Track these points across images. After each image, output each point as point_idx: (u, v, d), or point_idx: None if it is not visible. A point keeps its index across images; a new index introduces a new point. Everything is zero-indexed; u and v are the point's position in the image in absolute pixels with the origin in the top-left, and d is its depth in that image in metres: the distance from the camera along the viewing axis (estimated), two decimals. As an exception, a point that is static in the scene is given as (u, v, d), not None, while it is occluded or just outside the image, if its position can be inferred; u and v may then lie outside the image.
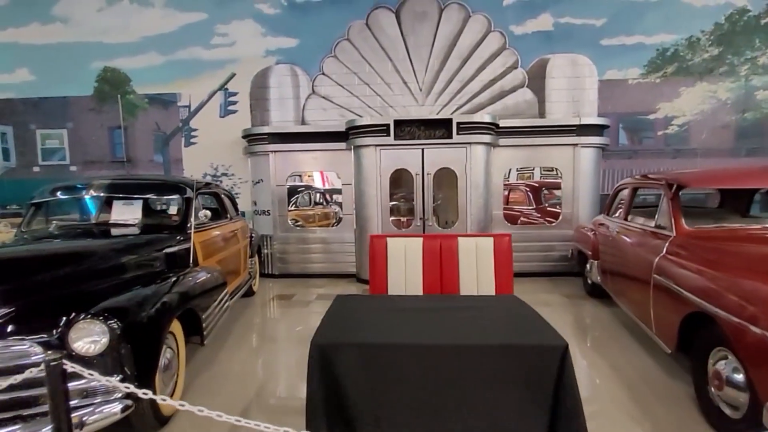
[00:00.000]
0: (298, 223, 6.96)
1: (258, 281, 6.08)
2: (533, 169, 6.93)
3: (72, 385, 1.90)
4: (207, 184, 4.30)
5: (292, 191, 6.90)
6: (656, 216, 3.39)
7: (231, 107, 7.18)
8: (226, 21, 7.14)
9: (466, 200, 6.00)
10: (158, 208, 3.66)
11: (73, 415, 1.87)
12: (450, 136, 5.87)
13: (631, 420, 2.44)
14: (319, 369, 1.82)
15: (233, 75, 7.18)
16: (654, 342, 3.05)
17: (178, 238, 3.25)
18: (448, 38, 6.79)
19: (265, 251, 6.63)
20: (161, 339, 2.27)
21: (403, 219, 6.38)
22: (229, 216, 4.67)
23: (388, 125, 5.87)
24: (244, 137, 6.93)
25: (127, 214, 3.33)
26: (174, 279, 2.69)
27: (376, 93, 7.03)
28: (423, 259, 3.39)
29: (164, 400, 1.58)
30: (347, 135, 6.31)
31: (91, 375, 1.59)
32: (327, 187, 7.49)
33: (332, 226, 7.36)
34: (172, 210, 3.52)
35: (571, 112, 6.51)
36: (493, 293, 3.33)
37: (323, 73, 7.00)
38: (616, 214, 4.70)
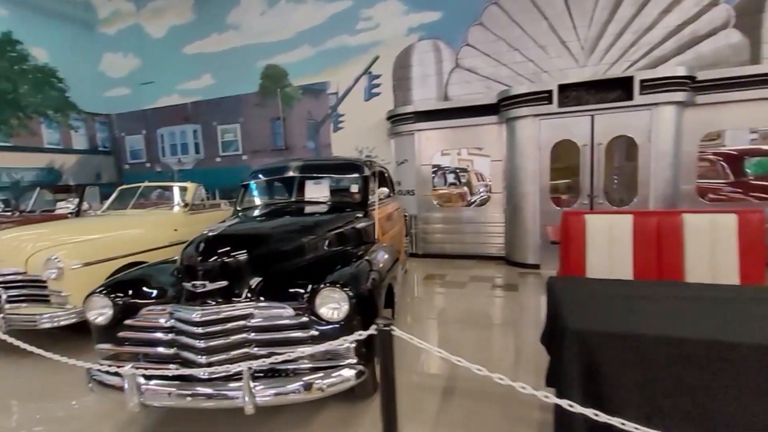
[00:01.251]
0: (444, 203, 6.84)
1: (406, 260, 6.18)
2: (721, 134, 5.48)
3: (315, 348, 2.06)
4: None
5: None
6: None
7: (374, 90, 7.36)
8: (369, 5, 7.26)
9: (649, 173, 5.05)
10: (340, 186, 3.86)
11: (311, 377, 2.03)
12: (629, 98, 4.96)
13: None
14: (578, 354, 1.59)
15: (377, 58, 7.32)
16: None
17: (361, 214, 3.37)
18: (622, -19, 5.72)
19: (410, 231, 6.69)
20: (380, 309, 2.33)
21: (564, 197, 5.72)
22: (391, 195, 4.75)
23: (550, 92, 5.24)
24: (388, 118, 7.03)
25: (318, 192, 3.59)
26: (375, 253, 2.77)
27: (527, 58, 6.38)
28: (634, 238, 2.87)
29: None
30: (498, 107, 5.87)
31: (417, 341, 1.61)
32: (463, 165, 7.20)
33: (468, 206, 7.09)
34: (353, 188, 3.67)
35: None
36: (737, 283, 2.65)
37: (468, 44, 6.63)
38: None
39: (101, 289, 2.26)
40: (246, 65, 8.34)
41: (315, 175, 3.61)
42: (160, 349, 2.15)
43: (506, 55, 6.47)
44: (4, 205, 6.01)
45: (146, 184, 5.01)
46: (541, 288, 4.85)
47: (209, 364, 2.02)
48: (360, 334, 1.60)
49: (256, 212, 3.39)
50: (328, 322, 2.04)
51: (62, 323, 3.30)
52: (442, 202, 6.75)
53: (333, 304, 2.04)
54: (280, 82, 8.15)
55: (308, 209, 3.38)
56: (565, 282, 2.32)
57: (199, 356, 2.03)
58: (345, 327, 2.07)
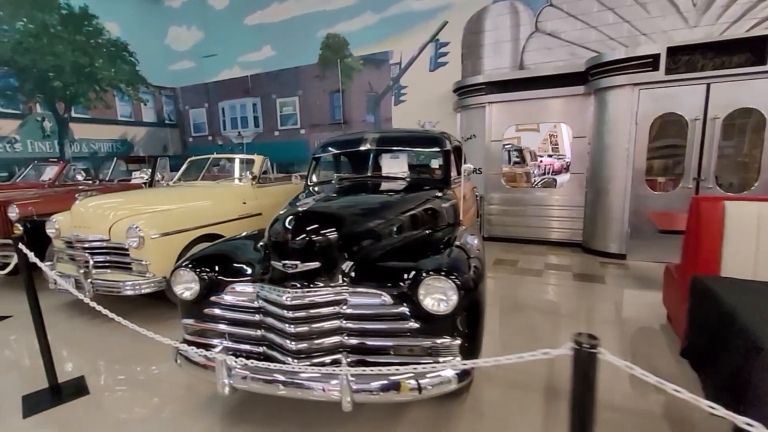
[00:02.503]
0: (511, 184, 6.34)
1: (472, 243, 5.81)
2: None
3: (414, 342, 1.83)
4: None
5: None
6: None
7: (441, 59, 6.85)
8: (439, -37, 6.67)
9: (778, 154, 4.25)
10: (418, 161, 3.56)
11: (406, 375, 1.78)
12: (761, 62, 4.13)
13: None
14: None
15: (445, 23, 6.77)
16: None
17: (444, 192, 3.05)
18: None
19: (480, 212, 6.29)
20: (484, 301, 2.04)
21: (661, 179, 5.03)
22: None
23: (656, 56, 4.50)
24: (455, 90, 6.55)
25: (396, 167, 3.31)
26: (464, 238, 2.46)
27: (622, 19, 5.57)
28: (793, 233, 2.33)
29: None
30: (586, 76, 5.20)
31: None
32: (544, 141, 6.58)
33: (537, 187, 6.52)
34: (434, 164, 3.36)
35: None
36: None
37: (551, 4, 5.91)
38: None
39: (186, 262, 2.15)
40: (306, 35, 8.10)
41: (393, 148, 3.32)
42: (247, 330, 2.02)
43: (596, 16, 5.69)
44: (86, 173, 6.34)
45: (215, 156, 5.00)
46: (633, 281, 4.32)
47: (298, 351, 1.85)
48: (545, 353, 1.22)
49: (332, 188, 3.17)
50: (431, 314, 1.78)
51: (143, 291, 3.35)
52: (507, 182, 6.25)
53: (439, 295, 1.77)
54: (340, 52, 7.85)
55: (386, 186, 3.11)
56: (733, 285, 1.88)
57: (289, 341, 1.86)
58: (450, 320, 1.81)
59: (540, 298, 3.95)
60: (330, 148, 3.62)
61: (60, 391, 2.49)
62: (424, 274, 1.80)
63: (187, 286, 2.12)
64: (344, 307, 1.87)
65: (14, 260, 2.84)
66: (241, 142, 9.58)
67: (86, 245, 3.55)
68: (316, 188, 3.31)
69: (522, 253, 5.61)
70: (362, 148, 3.31)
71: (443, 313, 1.78)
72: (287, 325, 1.85)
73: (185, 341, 2.18)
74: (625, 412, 2.17)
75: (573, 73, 5.36)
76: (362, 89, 7.79)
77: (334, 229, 1.95)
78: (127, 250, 3.42)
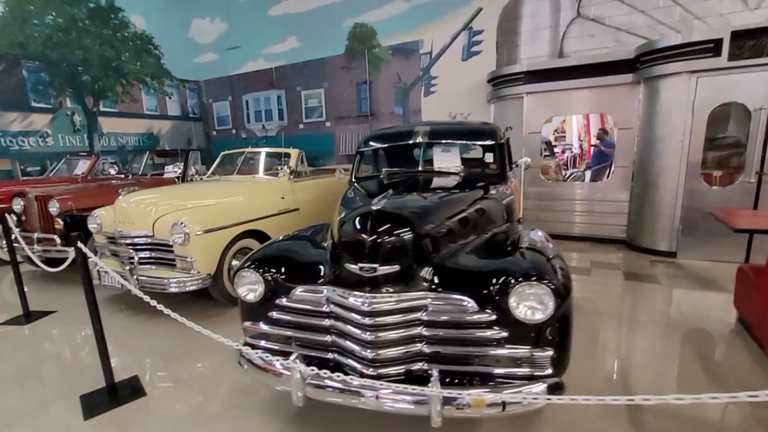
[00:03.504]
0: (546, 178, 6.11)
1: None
2: None
3: (501, 352, 1.70)
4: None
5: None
6: None
7: (474, 48, 6.61)
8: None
9: None
10: (468, 155, 3.39)
11: (494, 390, 1.65)
12: (838, 46, 3.82)
13: None
14: None
15: (479, 10, 6.52)
16: None
17: (502, 188, 2.89)
18: None
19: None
20: (572, 308, 1.89)
21: (718, 173, 4.75)
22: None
23: (717, 41, 4.21)
24: (489, 81, 6.32)
25: (448, 161, 3.16)
26: (533, 236, 2.30)
27: (674, 2, 5.25)
28: None
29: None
30: (636, 64, 4.92)
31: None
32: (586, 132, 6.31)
33: (575, 180, 6.27)
34: (488, 157, 3.20)
35: None
36: None
37: (595, -12, 5.61)
38: None
39: (249, 263, 2.06)
40: (332, 25, 7.93)
41: (444, 141, 3.16)
42: (315, 335, 1.91)
43: (645, 0, 5.38)
44: (117, 167, 6.35)
45: (250, 150, 4.91)
46: (690, 282, 4.10)
47: (374, 360, 1.74)
48: (752, 395, 0.88)
49: (380, 183, 3.04)
50: (523, 323, 1.64)
51: (188, 288, 3.29)
52: (543, 175, 6.02)
53: (533, 302, 1.63)
54: (367, 42, 7.66)
55: (440, 181, 2.96)
56: None
57: (365, 349, 1.74)
58: (543, 329, 1.67)
59: (595, 299, 3.77)
60: (376, 142, 3.48)
61: (117, 392, 2.44)
62: (514, 280, 1.66)
63: (250, 288, 2.03)
64: (424, 313, 1.74)
65: (70, 257, 2.81)
66: (264, 135, 9.52)
67: (130, 241, 3.51)
68: (361, 184, 3.19)
69: (564, 249, 5.34)
70: (413, 141, 3.16)
71: (537, 322, 1.64)
72: (364, 332, 1.74)
73: (247, 344, 2.10)
74: None
75: (620, 61, 5.08)
76: (390, 80, 7.60)
77: (413, 229, 1.82)
78: (171, 246, 3.36)
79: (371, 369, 1.75)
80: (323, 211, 4.84)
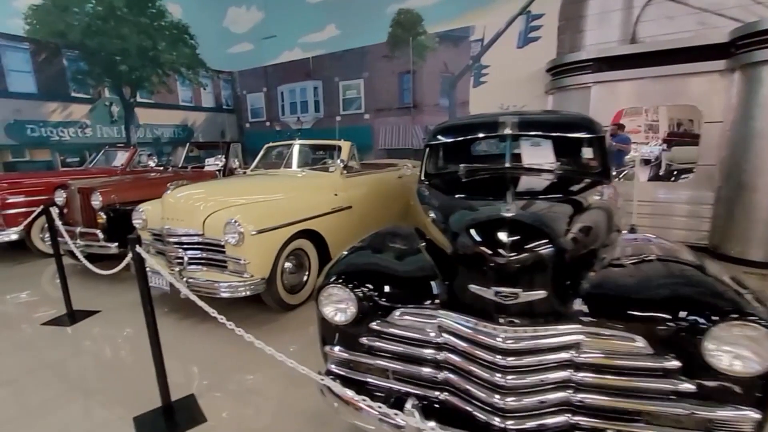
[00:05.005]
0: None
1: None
2: None
3: (683, 409, 1.28)
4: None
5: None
6: None
7: (532, 34, 6.09)
8: None
9: None
10: (562, 149, 2.95)
11: None
12: None
13: None
14: None
15: (540, -8, 5.98)
16: None
17: (609, 189, 2.45)
18: None
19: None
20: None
21: (830, 174, 4.13)
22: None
23: (844, 19, 3.60)
24: (549, 70, 5.80)
25: (539, 157, 2.73)
26: (675, 249, 1.87)
27: (776, -22, 4.60)
28: None
29: None
30: (730, 49, 4.33)
31: None
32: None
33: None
34: (587, 153, 2.77)
35: None
36: None
37: (679, -36, 5.01)
38: None
39: (336, 278, 1.70)
40: (374, 12, 7.53)
41: (536, 133, 2.73)
42: (422, 369, 1.55)
43: (739, -25, 4.76)
44: (157, 160, 6.17)
45: (297, 142, 4.59)
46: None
47: (508, 410, 1.36)
48: None
49: (462, 181, 2.64)
50: (724, 375, 1.23)
51: (241, 294, 2.99)
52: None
53: (742, 349, 1.21)
54: (412, 29, 7.22)
55: (534, 180, 2.53)
56: None
57: (498, 395, 1.37)
58: (753, 385, 1.25)
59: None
60: (451, 135, 3.07)
61: (173, 413, 2.16)
62: (712, 316, 1.24)
63: (340, 308, 1.68)
64: (576, 353, 1.35)
65: (127, 260, 2.55)
66: (299, 127, 9.24)
67: (177, 240, 3.24)
68: (434, 182, 2.80)
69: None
70: (500, 133, 2.74)
71: (745, 376, 1.22)
72: (499, 374, 1.36)
73: (329, 372, 1.76)
74: None
75: (709, 46, 4.50)
76: (436, 70, 7.15)
77: (559, 244, 1.42)
78: (222, 246, 3.07)
79: (502, 420, 1.37)
80: (376, 210, 4.48)
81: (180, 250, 3.18)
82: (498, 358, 1.35)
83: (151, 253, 3.60)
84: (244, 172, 4.84)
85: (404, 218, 5.10)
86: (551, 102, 5.99)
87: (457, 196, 2.32)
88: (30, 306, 3.81)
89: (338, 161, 4.09)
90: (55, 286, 4.32)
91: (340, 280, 1.69)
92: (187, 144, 6.06)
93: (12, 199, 4.95)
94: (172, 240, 3.26)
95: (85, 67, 7.52)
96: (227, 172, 5.39)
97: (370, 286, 1.64)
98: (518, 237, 1.38)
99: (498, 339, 1.35)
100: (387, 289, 1.65)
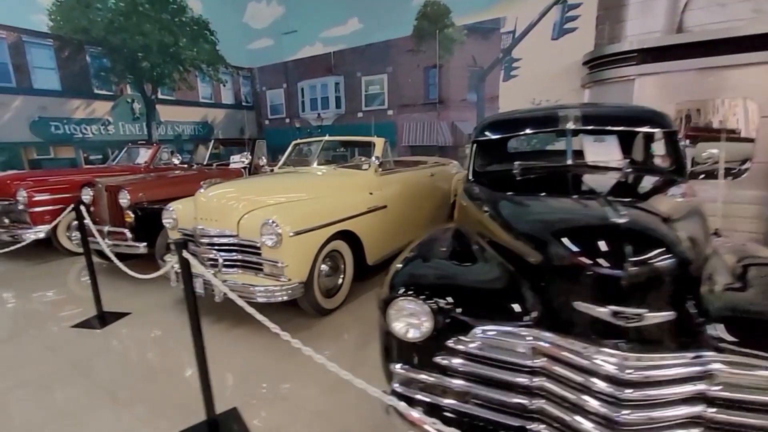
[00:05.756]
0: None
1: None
2: None
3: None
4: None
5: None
6: None
7: (568, 24, 5.81)
8: None
9: None
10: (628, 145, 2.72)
11: None
12: None
13: None
14: None
15: (577, -20, 5.69)
16: None
17: (688, 191, 2.21)
18: None
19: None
20: None
21: None
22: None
23: None
24: (586, 62, 5.53)
25: (604, 154, 2.51)
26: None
27: None
28: None
29: None
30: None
31: None
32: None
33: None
34: (658, 149, 2.53)
35: None
36: None
37: (733, -53, 4.68)
38: None
39: (405, 289, 1.52)
40: (399, 4, 7.30)
41: (602, 128, 2.50)
42: (513, 398, 1.36)
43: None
44: (181, 157, 6.08)
45: (327, 138, 4.42)
46: None
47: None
48: None
49: (519, 180, 2.43)
50: None
51: (278, 299, 2.84)
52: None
53: None
54: (439, 21, 6.98)
55: (605, 180, 2.30)
56: None
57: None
58: None
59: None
60: (501, 130, 2.85)
61: (218, 428, 2.01)
62: None
63: (412, 323, 1.50)
64: (713, 385, 1.14)
65: (169, 266, 2.41)
66: (320, 124, 9.09)
67: (208, 241, 3.09)
68: (481, 180, 2.60)
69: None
70: (561, 127, 2.52)
71: None
72: (614, 409, 1.16)
73: (395, 393, 1.58)
74: None
75: (764, 35, 4.18)
76: (464, 64, 6.91)
77: (681, 255, 1.22)
78: (258, 248, 2.92)
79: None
80: (410, 209, 4.30)
81: (215, 252, 3.04)
82: (614, 390, 1.16)
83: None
84: (271, 170, 4.69)
85: (435, 219, 4.92)
86: (587, 96, 5.71)
87: (524, 197, 2.10)
88: (58, 306, 3.73)
89: (373, 158, 3.91)
90: (82, 285, 4.25)
91: (411, 292, 1.51)
92: (212, 141, 5.94)
93: (38, 197, 4.89)
94: (204, 241, 3.12)
95: (108, 64, 7.47)
96: (253, 169, 5.26)
97: (448, 299, 1.46)
98: (638, 246, 1.18)
99: (615, 367, 1.15)
100: (467, 302, 1.47)
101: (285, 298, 2.85)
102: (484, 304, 1.45)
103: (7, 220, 5.01)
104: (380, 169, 3.94)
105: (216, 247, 3.07)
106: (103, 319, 3.33)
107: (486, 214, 2.01)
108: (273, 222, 2.79)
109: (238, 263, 3.05)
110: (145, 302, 3.65)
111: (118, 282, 4.12)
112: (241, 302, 1.97)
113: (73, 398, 2.31)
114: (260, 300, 2.85)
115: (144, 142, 7.54)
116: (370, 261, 3.63)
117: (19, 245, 3.69)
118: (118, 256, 3.40)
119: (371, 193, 3.75)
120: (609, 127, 2.49)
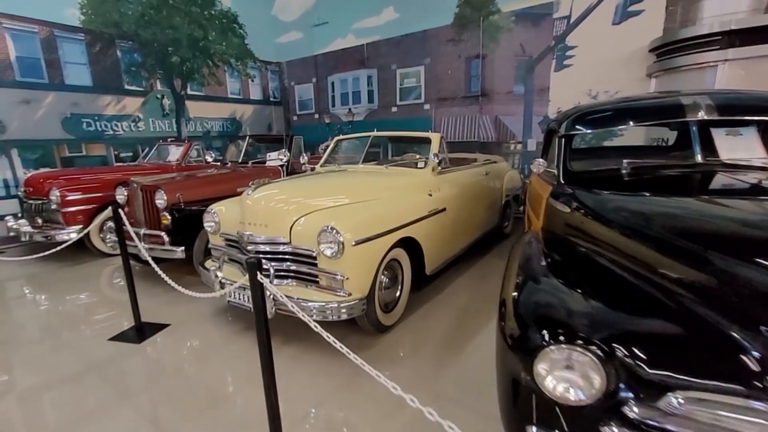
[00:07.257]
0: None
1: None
2: None
3: None
4: None
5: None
6: None
7: (633, 7, 5.25)
8: None
9: None
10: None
11: None
12: None
13: None
14: None
15: (646, -43, 5.14)
16: None
17: None
18: None
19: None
20: None
21: None
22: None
23: None
24: (654, 48, 5.00)
25: (741, 150, 2.06)
26: None
27: None
28: None
29: None
30: None
31: None
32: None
33: None
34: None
35: None
36: None
37: None
38: None
39: (559, 332, 1.13)
40: (439, -9, 6.86)
41: (741, 118, 2.04)
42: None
43: None
44: (214, 154, 5.82)
45: (375, 134, 4.06)
46: None
47: None
48: None
49: (631, 183, 2.01)
50: None
51: (335, 317, 2.48)
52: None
53: None
54: (483, 8, 6.51)
55: (741, 180, 1.85)
56: None
57: None
58: None
59: None
60: (592, 121, 2.42)
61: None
62: None
63: (574, 380, 1.11)
64: None
65: (235, 286, 2.07)
66: (350, 120, 8.74)
67: (253, 248, 2.77)
68: (594, 183, 2.16)
69: None
70: (690, 117, 2.07)
71: None
72: None
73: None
74: None
75: None
76: (510, 53, 6.42)
77: None
78: (314, 257, 2.57)
79: None
80: (468, 212, 3.90)
81: (266, 260, 2.71)
82: None
83: (225, 261, 3.17)
84: (312, 168, 4.35)
85: (487, 223, 4.47)
86: (654, 86, 5.18)
87: (673, 203, 1.68)
88: (93, 313, 3.49)
89: (431, 155, 3.52)
90: (116, 289, 4.02)
91: (580, 338, 1.11)
92: (247, 137, 5.66)
93: (71, 197, 4.71)
94: (251, 249, 2.79)
95: (139, 59, 7.30)
96: (290, 168, 4.94)
97: (632, 351, 1.06)
98: None
99: None
100: (654, 351, 1.06)
101: (345, 316, 2.50)
102: (684, 360, 1.05)
103: (40, 220, 4.84)
104: (438, 168, 3.55)
105: (266, 255, 2.74)
106: (142, 331, 3.06)
107: (617, 227, 1.60)
108: (332, 229, 2.44)
109: (291, 274, 2.71)
110: (182, 312, 3.38)
111: (152, 288, 3.87)
112: (306, 318, 1.65)
113: (123, 426, 2.01)
114: (316, 317, 2.51)
115: (174, 138, 7.34)
116: (428, 270, 3.25)
117: (55, 249, 3.45)
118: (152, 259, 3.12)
119: (430, 194, 3.36)
120: (758, 118, 2.02)
